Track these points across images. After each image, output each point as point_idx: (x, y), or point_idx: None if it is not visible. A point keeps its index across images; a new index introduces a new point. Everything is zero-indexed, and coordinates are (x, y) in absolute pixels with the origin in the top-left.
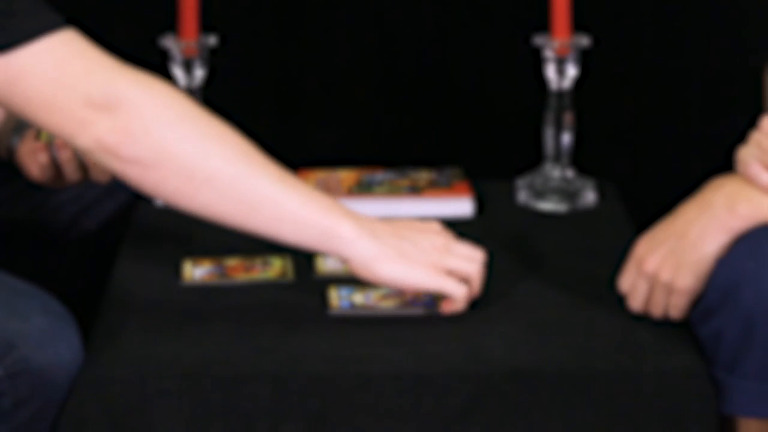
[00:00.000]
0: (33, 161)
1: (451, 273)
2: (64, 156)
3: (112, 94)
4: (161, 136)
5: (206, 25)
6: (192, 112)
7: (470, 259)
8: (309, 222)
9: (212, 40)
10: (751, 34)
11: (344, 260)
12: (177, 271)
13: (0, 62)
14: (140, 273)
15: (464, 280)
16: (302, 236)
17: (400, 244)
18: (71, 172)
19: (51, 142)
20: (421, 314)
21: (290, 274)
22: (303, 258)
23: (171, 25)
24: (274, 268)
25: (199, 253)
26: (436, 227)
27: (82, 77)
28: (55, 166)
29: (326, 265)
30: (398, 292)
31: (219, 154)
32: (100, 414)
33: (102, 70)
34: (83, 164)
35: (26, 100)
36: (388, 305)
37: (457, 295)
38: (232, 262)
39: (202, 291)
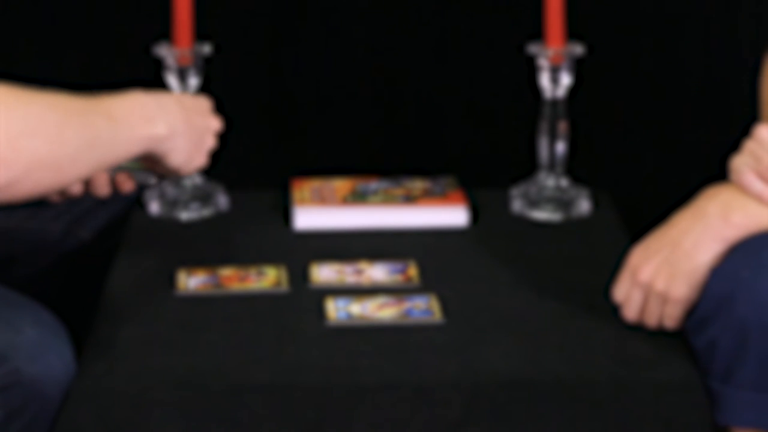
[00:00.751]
0: None
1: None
2: None
3: None
4: (29, 148)
5: (201, 34)
6: (30, 107)
7: (217, 132)
8: (136, 140)
9: (207, 48)
10: (746, 43)
11: (157, 156)
12: (171, 281)
13: None
14: (134, 283)
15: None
16: (133, 153)
17: (191, 134)
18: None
19: None
20: (418, 324)
21: (285, 283)
22: (297, 268)
23: (165, 33)
24: (269, 277)
25: (193, 262)
26: (208, 106)
27: None
28: None
29: (321, 275)
30: (394, 301)
31: (71, 134)
32: (94, 425)
33: None
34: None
35: None
36: (385, 316)
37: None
38: (226, 272)
39: (196, 301)
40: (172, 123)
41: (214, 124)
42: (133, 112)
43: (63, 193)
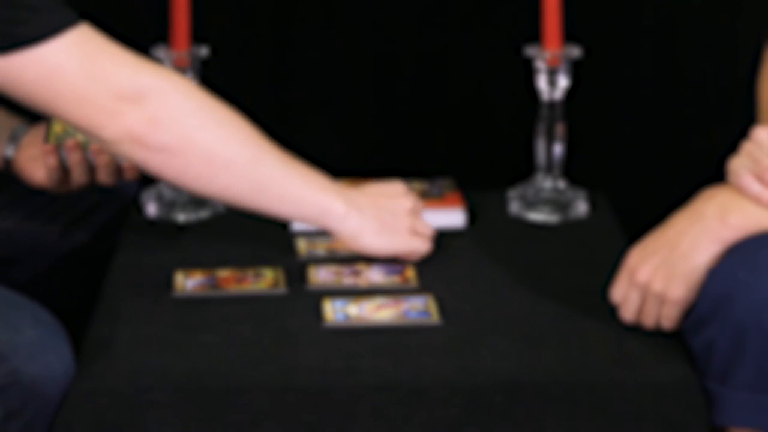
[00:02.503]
0: (37, 166)
1: (417, 233)
2: (74, 158)
3: (139, 86)
4: (186, 125)
5: (198, 36)
6: (208, 100)
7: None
8: (308, 200)
9: (204, 51)
10: (744, 46)
11: (336, 233)
12: (169, 283)
13: (31, 57)
14: (132, 284)
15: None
16: (302, 213)
17: (380, 215)
18: (79, 175)
19: (60, 145)
20: (415, 326)
21: (282, 285)
22: (295, 269)
23: (163, 35)
24: (266, 279)
25: (190, 264)
26: (401, 190)
27: (110, 71)
28: (63, 169)
29: (318, 277)
30: (392, 302)
31: (235, 140)
32: (91, 426)
33: (127, 64)
34: (91, 167)
35: (56, 95)
36: (382, 317)
37: (424, 252)
38: (223, 274)
39: (193, 302)
40: (353, 203)
41: (407, 204)
42: (315, 176)
43: (68, 183)
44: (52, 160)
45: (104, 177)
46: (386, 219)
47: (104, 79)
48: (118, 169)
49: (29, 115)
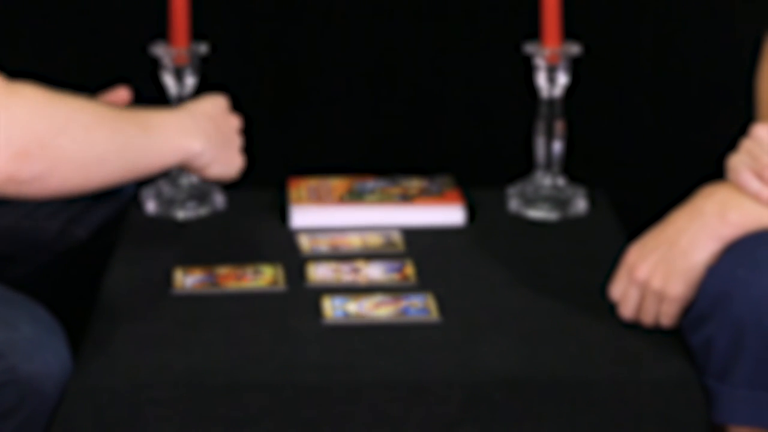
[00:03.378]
0: None
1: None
2: None
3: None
4: (56, 145)
5: (197, 33)
6: (65, 107)
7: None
8: (170, 150)
9: (203, 48)
10: (743, 43)
11: (191, 169)
12: (168, 280)
13: None
14: (131, 281)
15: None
16: (167, 164)
17: (221, 140)
18: None
19: None
20: (414, 323)
21: (281, 282)
22: (294, 266)
23: (162, 32)
24: (266, 276)
25: (190, 261)
26: (225, 105)
27: None
28: None
29: (317, 274)
30: (391, 299)
31: (101, 136)
32: (90, 423)
33: None
34: None
35: None
36: (381, 314)
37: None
38: (223, 271)
39: (193, 300)
40: (206, 137)
41: (235, 122)
42: (169, 125)
43: None
44: None
45: None
46: (226, 143)
47: None
48: None
49: None
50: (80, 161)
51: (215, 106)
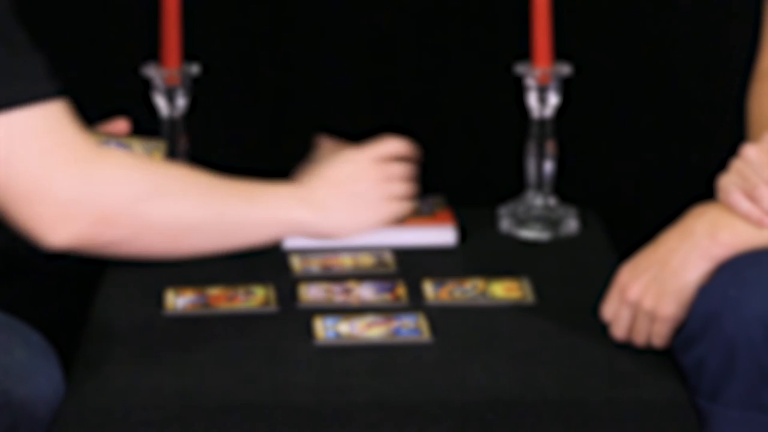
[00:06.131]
0: None
1: (391, 197)
2: None
3: (86, 183)
4: (139, 211)
5: (189, 54)
6: (155, 174)
7: (402, 176)
8: (272, 223)
9: (195, 68)
10: (733, 64)
11: (316, 238)
12: (159, 301)
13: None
14: (122, 302)
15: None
16: (271, 237)
17: (347, 201)
18: None
19: None
20: (406, 343)
21: (273, 303)
22: (286, 287)
23: (153, 53)
24: (257, 297)
25: (181, 282)
26: (364, 158)
27: (61, 166)
28: None
29: (309, 294)
30: (383, 320)
31: (191, 205)
32: None
33: (77, 157)
34: None
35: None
36: (373, 335)
37: (403, 213)
38: (214, 292)
39: (184, 321)
40: (322, 206)
41: (372, 175)
42: (277, 197)
43: None
44: None
45: None
46: (354, 202)
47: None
48: None
49: None
50: (166, 229)
51: (355, 164)
